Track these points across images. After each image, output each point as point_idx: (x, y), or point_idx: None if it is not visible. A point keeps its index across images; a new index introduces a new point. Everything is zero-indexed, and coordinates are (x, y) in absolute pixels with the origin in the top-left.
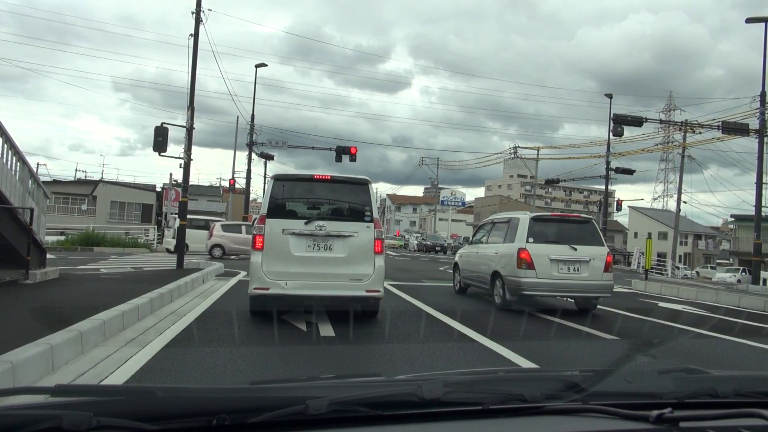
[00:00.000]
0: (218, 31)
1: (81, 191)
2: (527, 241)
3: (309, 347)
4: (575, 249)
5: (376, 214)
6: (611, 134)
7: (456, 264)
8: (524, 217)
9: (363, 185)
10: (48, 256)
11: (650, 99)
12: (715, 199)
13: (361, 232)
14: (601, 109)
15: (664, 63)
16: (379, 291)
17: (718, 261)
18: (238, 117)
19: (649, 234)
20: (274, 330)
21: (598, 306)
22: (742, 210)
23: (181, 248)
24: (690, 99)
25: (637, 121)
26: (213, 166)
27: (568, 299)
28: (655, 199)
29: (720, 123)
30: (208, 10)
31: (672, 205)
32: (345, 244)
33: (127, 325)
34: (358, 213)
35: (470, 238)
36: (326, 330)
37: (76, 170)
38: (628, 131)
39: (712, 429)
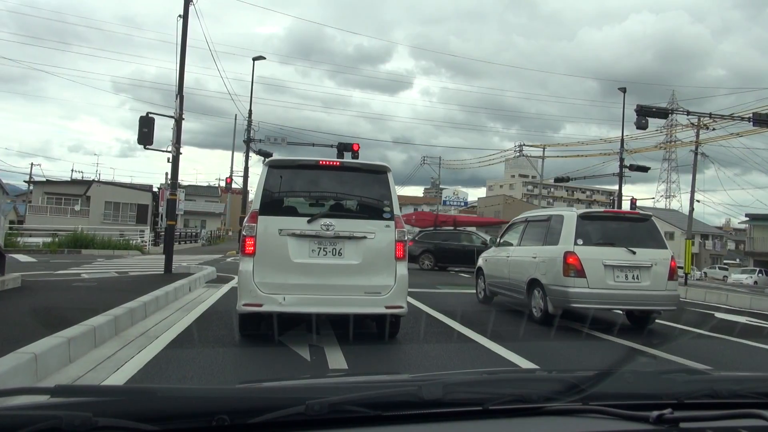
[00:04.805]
0: (219, 31)
1: (74, 191)
2: (575, 244)
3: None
4: (634, 252)
5: (397, 211)
6: (635, 127)
7: (480, 269)
8: (570, 215)
9: (380, 174)
10: (27, 259)
11: (652, 99)
12: (715, 198)
13: (379, 232)
14: (602, 108)
15: (666, 63)
16: (401, 307)
17: (725, 261)
18: (236, 115)
19: (691, 235)
20: (268, 361)
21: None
22: (756, 209)
23: (169, 251)
24: (692, 98)
25: (663, 113)
26: (213, 167)
27: (621, 311)
28: (668, 197)
29: (752, 114)
30: None
31: (674, 205)
32: (359, 248)
33: (75, 356)
34: (374, 209)
35: (497, 240)
36: (335, 359)
37: (72, 170)
38: (628, 130)
39: (712, 429)
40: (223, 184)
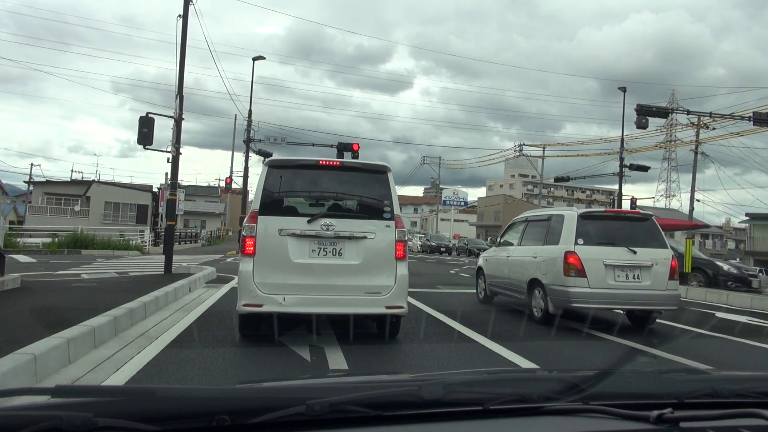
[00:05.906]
0: (219, 31)
1: (74, 192)
2: (576, 243)
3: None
4: (634, 252)
5: (397, 211)
6: (636, 126)
7: (480, 269)
8: (570, 214)
9: (381, 174)
10: (27, 260)
11: (652, 98)
12: (715, 198)
13: (379, 232)
14: (602, 108)
15: (666, 62)
16: (402, 307)
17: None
18: (236, 115)
19: (691, 234)
20: (268, 361)
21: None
22: (756, 208)
23: (169, 251)
24: (692, 98)
25: (663, 112)
26: (213, 167)
27: (622, 311)
28: (668, 197)
29: (752, 113)
30: None
31: (675, 204)
32: (359, 248)
33: (75, 356)
34: (374, 209)
35: (497, 239)
36: (336, 359)
37: (72, 171)
38: (628, 130)
39: (712, 429)
40: (223, 184)
